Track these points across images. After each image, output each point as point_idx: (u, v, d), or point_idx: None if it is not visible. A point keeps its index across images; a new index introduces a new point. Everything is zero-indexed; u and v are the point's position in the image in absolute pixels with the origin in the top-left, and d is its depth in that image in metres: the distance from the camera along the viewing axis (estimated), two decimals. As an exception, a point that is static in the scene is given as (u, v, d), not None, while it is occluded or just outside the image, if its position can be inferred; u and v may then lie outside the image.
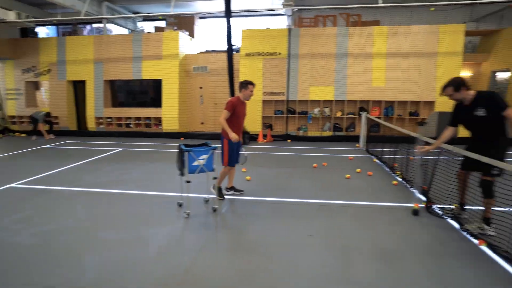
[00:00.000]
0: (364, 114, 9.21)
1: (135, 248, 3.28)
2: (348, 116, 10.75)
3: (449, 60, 10.07)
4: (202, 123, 12.02)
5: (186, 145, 4.08)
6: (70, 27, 14.05)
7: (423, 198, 4.65)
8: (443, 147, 4.17)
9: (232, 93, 9.46)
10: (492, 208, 3.54)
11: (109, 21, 13.60)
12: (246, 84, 4.64)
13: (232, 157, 4.67)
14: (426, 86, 10.20)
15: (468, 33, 11.01)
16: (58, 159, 7.63)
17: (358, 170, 6.33)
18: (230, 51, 9.13)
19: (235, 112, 4.59)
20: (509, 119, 3.37)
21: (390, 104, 10.64)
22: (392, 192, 5.17)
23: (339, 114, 10.76)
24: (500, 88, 11.57)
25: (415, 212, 4.18)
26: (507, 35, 10.55)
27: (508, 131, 3.47)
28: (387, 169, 6.54)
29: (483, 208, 3.60)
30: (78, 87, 12.19)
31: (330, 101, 10.78)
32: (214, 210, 4.31)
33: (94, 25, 15.41)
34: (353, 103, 10.78)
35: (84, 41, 11.73)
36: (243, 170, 6.29)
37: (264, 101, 11.04)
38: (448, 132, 4.01)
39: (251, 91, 4.68)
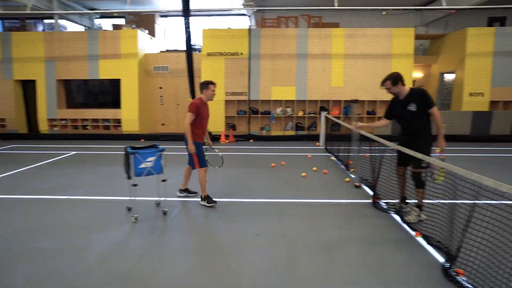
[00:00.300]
0: (323, 114, 9.47)
1: (73, 257, 3.11)
2: (309, 115, 11.00)
3: (402, 61, 10.64)
4: (163, 124, 11.73)
5: (133, 147, 3.95)
6: (18, 22, 13.10)
7: (371, 193, 4.86)
8: (384, 144, 4.36)
9: (192, 94, 9.32)
10: (424, 201, 3.81)
11: (63, 17, 12.88)
12: (206, 84, 4.57)
13: (202, 158, 4.58)
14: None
15: (418, 37, 11.71)
16: (0, 164, 7.08)
17: (314, 168, 6.49)
18: (189, 51, 8.98)
19: (199, 114, 4.48)
20: (434, 116, 3.69)
21: (349, 104, 11.03)
22: (343, 189, 5.35)
23: (301, 113, 10.98)
24: (448, 88, 12.44)
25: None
26: (452, 39, 11.35)
27: (432, 127, 3.83)
28: (343, 167, 6.77)
29: (416, 197, 3.90)
30: (28, 86, 11.40)
31: (292, 101, 10.97)
32: (164, 213, 4.21)
33: (46, 21, 14.51)
34: (314, 103, 11.06)
35: (32, 38, 11.00)
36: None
37: (227, 101, 11.00)
38: (382, 122, 4.40)
39: (213, 90, 4.63)
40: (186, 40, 8.83)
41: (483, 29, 10.64)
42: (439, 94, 12.43)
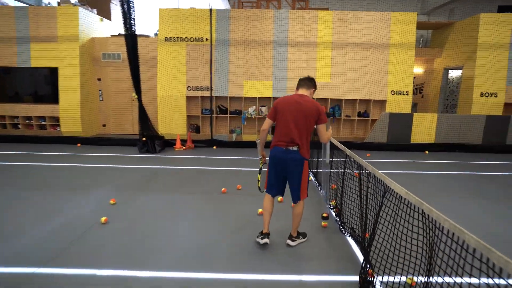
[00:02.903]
0: (304, 115, 7.54)
1: None
2: (289, 116, 9.08)
3: (401, 53, 8.78)
4: (104, 125, 9.59)
5: None
6: None
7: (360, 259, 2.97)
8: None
9: (136, 89, 7.31)
10: None
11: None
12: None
13: (268, 180, 3.27)
14: (376, 82, 8.84)
15: (419, 26, 9.84)
16: None
17: (280, 198, 4.54)
18: (129, 32, 6.96)
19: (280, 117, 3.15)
20: None
21: (337, 103, 9.16)
22: (316, 244, 3.42)
23: (278, 114, 9.04)
24: (451, 87, 10.66)
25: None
26: (460, 28, 9.52)
27: None
28: (322, 192, 4.87)
29: None
30: None
31: (268, 99, 9.04)
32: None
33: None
34: (295, 101, 9.13)
35: None
36: (112, 201, 4.25)
37: (189, 98, 9.02)
38: None
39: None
40: (124, 18, 6.80)
41: (500, 15, 8.84)
42: (443, 94, 10.63)
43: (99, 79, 9.35)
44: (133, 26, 7.10)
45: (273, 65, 8.78)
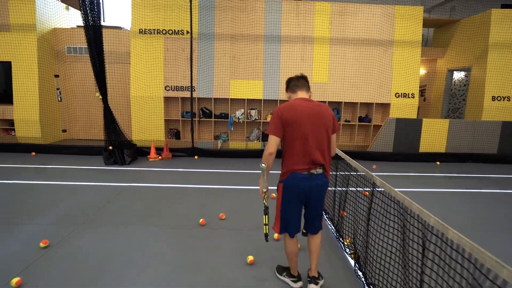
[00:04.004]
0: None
1: None
2: (282, 121, 8.02)
3: (406, 51, 7.87)
4: (64, 131, 8.25)
5: None
6: None
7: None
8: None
9: (102, 89, 6.09)
10: None
11: None
12: None
13: (284, 218, 2.43)
14: (379, 83, 7.90)
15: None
16: None
17: (276, 236, 3.41)
18: (91, 23, 5.75)
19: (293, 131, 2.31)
20: None
21: (335, 106, 8.17)
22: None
23: (270, 118, 7.96)
24: (453, 91, 9.86)
25: None
26: (467, 25, 8.72)
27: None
28: (330, 225, 3.80)
29: None
30: None
31: (259, 101, 7.96)
32: None
33: None
34: (289, 104, 8.10)
35: None
36: (42, 244, 3.07)
37: (168, 99, 7.84)
38: None
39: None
40: (82, 5, 5.59)
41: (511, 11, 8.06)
42: (447, 98, 9.82)
43: (56, 76, 8.01)
44: (95, 15, 5.87)
45: (264, 63, 7.71)
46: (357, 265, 2.81)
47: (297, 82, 2.44)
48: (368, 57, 7.82)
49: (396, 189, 2.16)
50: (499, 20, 7.91)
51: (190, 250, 3.10)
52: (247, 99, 7.85)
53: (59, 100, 7.89)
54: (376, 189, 2.45)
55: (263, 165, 2.28)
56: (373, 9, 7.74)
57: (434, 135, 7.34)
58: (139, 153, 6.93)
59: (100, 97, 6.04)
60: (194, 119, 7.58)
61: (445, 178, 6.10)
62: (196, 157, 7.16)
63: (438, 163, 7.23)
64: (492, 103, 8.02)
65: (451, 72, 9.62)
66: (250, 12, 7.56)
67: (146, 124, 7.64)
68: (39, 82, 7.53)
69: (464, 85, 9.68)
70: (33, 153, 7.10)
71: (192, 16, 7.26)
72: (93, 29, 5.83)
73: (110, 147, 6.17)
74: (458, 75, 9.70)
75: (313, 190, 2.33)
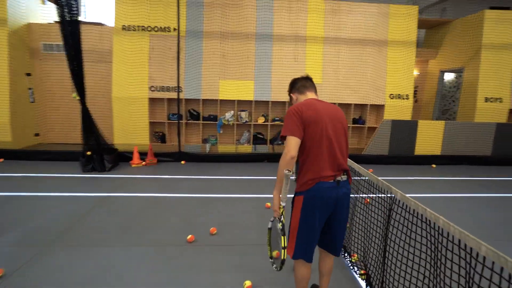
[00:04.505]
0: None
1: None
2: (274, 123, 7.70)
3: (401, 52, 7.67)
4: (36, 135, 7.63)
5: None
6: None
7: None
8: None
9: (79, 90, 5.59)
10: None
11: None
12: None
13: (304, 239, 2.00)
14: (374, 84, 7.67)
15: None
16: None
17: (275, 253, 3.04)
18: (67, 18, 5.25)
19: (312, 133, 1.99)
20: None
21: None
22: None
23: (261, 120, 7.63)
24: (444, 92, 9.77)
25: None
26: (460, 26, 8.63)
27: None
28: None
29: None
30: None
31: (249, 102, 7.59)
32: None
33: None
34: (281, 105, 7.78)
35: None
36: None
37: (153, 100, 7.37)
38: None
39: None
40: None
41: (506, 12, 8.00)
42: (439, 99, 9.72)
43: (28, 74, 7.40)
44: (73, 10, 5.37)
45: (256, 62, 7.35)
46: (368, 287, 2.48)
47: (305, 82, 2.20)
48: (362, 57, 7.58)
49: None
50: (492, 21, 7.84)
51: (177, 273, 2.70)
52: (237, 100, 7.46)
53: (32, 101, 7.29)
54: (396, 204, 2.12)
55: (287, 171, 1.87)
56: (367, 8, 7.51)
57: (430, 137, 7.16)
58: (121, 158, 6.43)
59: (77, 98, 5.54)
60: (181, 121, 7.14)
61: (446, 182, 5.89)
62: (183, 162, 6.71)
63: (434, 166, 7.05)
64: (485, 105, 7.92)
65: (443, 73, 9.52)
66: (240, 9, 7.19)
67: (129, 127, 7.14)
68: (10, 81, 6.92)
69: (454, 87, 9.61)
70: (1, 159, 6.48)
71: (180, 13, 6.84)
72: (71, 25, 5.32)
73: (88, 152, 5.66)
74: (448, 77, 9.63)
75: (340, 200, 1.98)
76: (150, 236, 3.34)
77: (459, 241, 1.56)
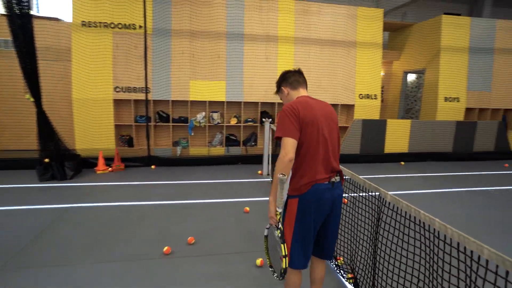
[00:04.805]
0: (267, 123, 6.09)
1: None
2: (247, 124, 7.56)
3: (369, 53, 7.90)
4: None
5: None
6: None
7: None
8: None
9: (33, 92, 5.07)
10: None
11: None
12: None
13: (300, 245, 1.89)
14: (344, 84, 7.82)
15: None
16: None
17: (259, 262, 2.87)
18: (15, 11, 4.74)
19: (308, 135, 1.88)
20: None
21: (300, 108, 7.90)
22: None
23: (234, 121, 7.46)
24: (407, 92, 10.26)
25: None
26: (420, 30, 9.09)
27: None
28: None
29: None
30: None
31: (221, 103, 7.40)
32: None
33: None
34: (254, 106, 7.68)
35: None
36: None
37: (118, 102, 6.92)
38: None
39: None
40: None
41: (460, 18, 8.54)
42: (403, 99, 10.18)
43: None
44: (24, 2, 4.85)
45: (227, 62, 7.18)
46: (357, 292, 2.43)
47: (298, 77, 2.11)
48: (332, 58, 7.69)
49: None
50: (449, 26, 8.32)
51: (156, 290, 2.48)
52: (208, 101, 7.24)
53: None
54: (385, 206, 2.08)
55: (282, 175, 1.74)
56: (336, 9, 7.64)
57: (398, 136, 7.44)
58: (84, 165, 5.94)
59: (31, 99, 5.02)
60: (149, 124, 6.77)
61: (418, 179, 6.11)
62: (153, 166, 6.36)
63: (402, 163, 7.32)
64: (444, 104, 8.40)
65: (406, 74, 9.98)
66: (210, 7, 6.98)
67: (92, 131, 6.64)
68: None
69: (416, 87, 10.12)
70: None
71: (146, 10, 6.48)
72: (21, 19, 4.80)
73: (46, 160, 5.15)
74: (410, 77, 10.11)
75: (335, 202, 1.92)
76: (121, 250, 3.06)
77: (458, 244, 1.53)
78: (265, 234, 2.10)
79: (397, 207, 1.96)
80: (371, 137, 7.18)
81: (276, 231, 1.89)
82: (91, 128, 6.61)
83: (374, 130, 7.24)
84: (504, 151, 8.07)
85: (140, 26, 6.71)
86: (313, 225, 1.88)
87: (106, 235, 3.37)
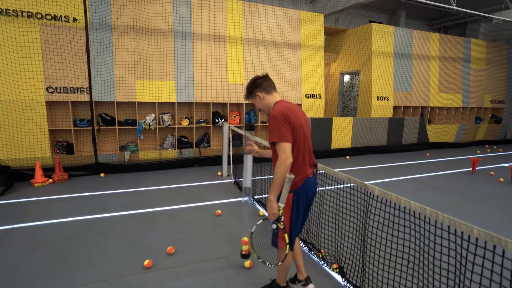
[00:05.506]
0: (225, 124, 6.05)
1: None
2: (198, 125, 7.38)
3: (312, 55, 8.39)
4: None
5: None
6: None
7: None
8: None
9: None
10: None
11: None
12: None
13: (296, 231, 2.26)
14: (291, 84, 8.17)
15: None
16: None
17: (247, 263, 2.90)
18: None
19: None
20: None
21: (251, 108, 8.03)
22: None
23: (185, 123, 7.22)
24: (343, 91, 11.22)
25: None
26: (354, 35, 9.99)
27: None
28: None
29: None
30: None
31: (171, 104, 7.09)
32: None
33: None
34: (205, 107, 7.53)
35: None
36: None
37: (52, 104, 6.13)
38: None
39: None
40: None
41: (385, 27, 9.61)
42: (341, 98, 11.07)
43: None
44: None
45: (175, 62, 6.90)
46: (343, 280, 2.60)
47: (270, 82, 2.29)
48: (280, 59, 7.97)
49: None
50: (378, 33, 9.32)
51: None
52: (157, 102, 6.87)
53: None
54: (373, 199, 2.28)
55: (290, 175, 1.96)
56: (281, 12, 7.94)
57: (342, 132, 8.08)
58: (16, 178, 5.11)
59: None
60: (93, 127, 6.13)
61: (364, 171, 6.71)
62: (102, 174, 5.79)
63: (348, 157, 7.99)
64: (377, 102, 9.40)
65: (343, 75, 10.87)
66: (155, 3, 6.61)
67: (21, 138, 5.75)
68: None
69: (350, 87, 11.12)
70: None
71: (81, 0, 5.85)
72: None
73: (-32, 174, 4.29)
74: (345, 78, 11.05)
75: (315, 192, 2.32)
76: (95, 270, 2.74)
77: (448, 227, 1.77)
78: (251, 231, 2.26)
79: (386, 200, 2.16)
80: (319, 134, 7.66)
81: (276, 224, 2.12)
82: (19, 135, 5.72)
83: (322, 127, 7.74)
84: (425, 142, 9.39)
85: (75, 19, 6.03)
86: (303, 211, 2.22)
87: (67, 256, 2.97)
